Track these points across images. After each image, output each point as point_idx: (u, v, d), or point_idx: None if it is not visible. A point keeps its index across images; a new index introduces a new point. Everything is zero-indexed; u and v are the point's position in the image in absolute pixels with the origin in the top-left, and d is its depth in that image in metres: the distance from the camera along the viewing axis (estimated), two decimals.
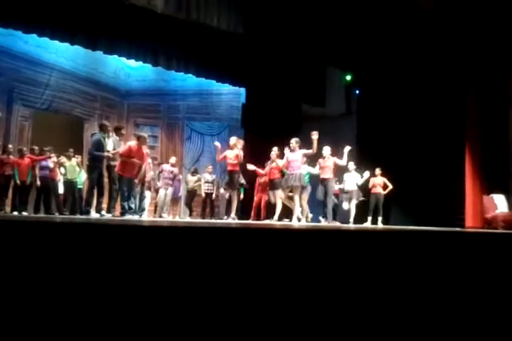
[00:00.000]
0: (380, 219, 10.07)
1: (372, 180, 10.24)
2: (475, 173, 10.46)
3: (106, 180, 7.34)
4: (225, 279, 1.93)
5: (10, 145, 8.96)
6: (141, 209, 8.76)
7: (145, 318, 1.72)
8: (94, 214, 6.90)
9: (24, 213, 8.37)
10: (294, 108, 12.50)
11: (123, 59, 11.23)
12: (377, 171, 10.29)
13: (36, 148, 9.08)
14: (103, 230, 2.26)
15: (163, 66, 11.03)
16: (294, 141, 8.17)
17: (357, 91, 13.30)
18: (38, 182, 8.70)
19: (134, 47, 10.36)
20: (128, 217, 6.93)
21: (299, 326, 1.91)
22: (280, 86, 11.72)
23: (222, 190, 10.54)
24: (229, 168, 8.43)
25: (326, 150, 8.81)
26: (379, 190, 10.19)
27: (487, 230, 7.83)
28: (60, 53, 10.82)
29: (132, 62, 11.71)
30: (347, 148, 8.71)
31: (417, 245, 2.73)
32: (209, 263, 1.93)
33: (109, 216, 6.77)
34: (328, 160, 8.63)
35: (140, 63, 11.31)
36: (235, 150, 8.33)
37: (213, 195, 10.74)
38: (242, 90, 12.50)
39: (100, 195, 7.12)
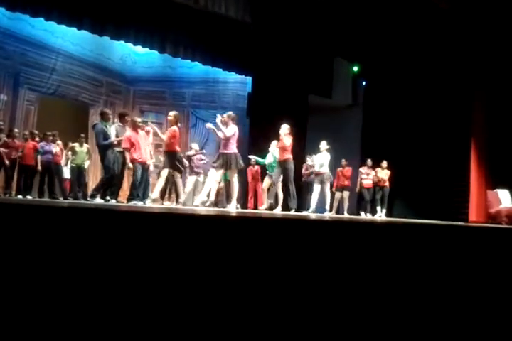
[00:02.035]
0: (383, 211, 10.09)
1: (377, 171, 10.26)
2: (480, 168, 10.45)
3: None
4: (225, 269, 1.93)
5: (15, 129, 8.96)
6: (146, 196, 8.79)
7: (148, 306, 1.73)
8: (98, 200, 6.92)
9: (29, 197, 8.41)
10: (300, 98, 12.45)
11: (130, 45, 11.19)
12: (384, 164, 10.27)
13: (36, 132, 9.08)
14: (108, 216, 2.27)
15: (169, 53, 11.00)
16: (225, 115, 7.23)
17: (364, 83, 13.25)
18: (39, 167, 8.72)
19: (141, 33, 10.34)
20: (133, 203, 6.96)
21: (300, 320, 1.92)
22: (287, 76, 11.67)
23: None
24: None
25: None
26: (384, 183, 10.22)
27: (490, 225, 7.83)
28: (66, 38, 10.77)
29: (139, 49, 11.68)
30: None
31: (419, 238, 2.73)
32: (212, 252, 1.94)
33: (113, 202, 6.79)
34: (287, 140, 7.83)
35: (147, 50, 11.28)
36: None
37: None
38: (249, 79, 12.46)
39: (112, 182, 7.14)
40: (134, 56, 12.57)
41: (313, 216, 6.10)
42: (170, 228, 1.99)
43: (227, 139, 6.97)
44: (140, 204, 7.10)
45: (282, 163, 7.72)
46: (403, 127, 11.61)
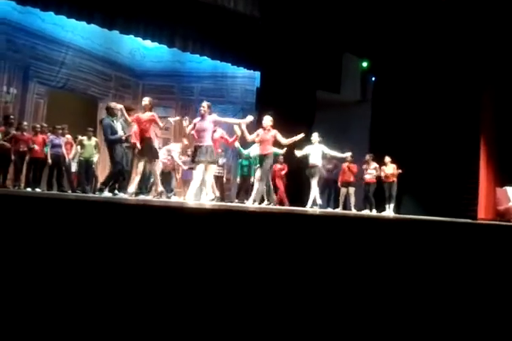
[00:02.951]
0: (391, 207, 10.04)
1: (383, 169, 10.19)
2: (489, 165, 10.39)
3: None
4: (228, 262, 1.94)
5: (25, 123, 9.00)
6: (149, 190, 8.80)
7: (154, 297, 1.74)
8: (106, 194, 6.95)
9: (37, 190, 8.46)
10: (308, 93, 12.41)
11: (139, 39, 11.21)
12: (387, 159, 10.18)
13: (45, 125, 9.12)
14: (115, 209, 2.28)
15: (178, 47, 11.02)
16: (205, 104, 6.84)
17: (373, 79, 13.18)
18: (49, 160, 8.76)
19: (151, 27, 10.35)
20: (141, 197, 6.99)
21: (303, 315, 1.92)
22: (295, 71, 11.64)
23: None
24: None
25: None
26: (391, 179, 10.14)
27: (499, 222, 7.78)
28: (76, 32, 10.80)
29: (148, 43, 11.70)
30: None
31: (427, 235, 2.72)
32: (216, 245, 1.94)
33: (121, 195, 6.81)
34: (269, 133, 7.36)
35: (156, 44, 11.30)
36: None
37: (224, 179, 10.75)
38: (257, 74, 12.44)
39: (121, 176, 7.15)
40: (143, 50, 12.58)
41: (311, 211, 6.01)
42: (175, 222, 2.00)
43: (203, 131, 6.64)
44: (148, 198, 7.13)
45: (264, 157, 7.31)
46: (412, 123, 11.55)
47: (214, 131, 7.18)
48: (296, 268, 2.03)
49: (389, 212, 9.94)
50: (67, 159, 9.12)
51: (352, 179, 10.22)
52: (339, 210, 10.03)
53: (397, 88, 12.07)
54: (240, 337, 1.71)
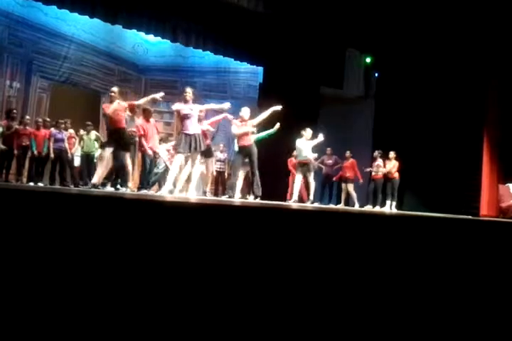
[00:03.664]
0: (393, 204, 10.03)
1: (386, 164, 10.18)
2: (492, 161, 10.37)
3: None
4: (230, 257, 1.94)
5: (27, 117, 9.01)
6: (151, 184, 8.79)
7: (159, 290, 1.74)
8: (109, 188, 6.96)
9: (40, 184, 8.47)
10: (311, 89, 12.38)
11: (142, 34, 11.19)
12: (392, 154, 10.15)
13: (48, 119, 9.13)
14: (117, 204, 2.28)
15: (181, 42, 10.98)
16: (190, 90, 6.58)
17: (376, 74, 13.13)
18: (52, 155, 8.77)
19: (153, 22, 10.32)
20: (143, 191, 6.99)
21: (304, 312, 1.92)
22: (298, 66, 11.60)
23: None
24: None
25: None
26: (393, 175, 10.10)
27: (501, 219, 7.78)
28: (79, 26, 10.78)
29: (151, 38, 11.66)
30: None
31: (428, 232, 2.72)
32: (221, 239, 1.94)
33: (123, 190, 6.82)
34: (249, 123, 7.26)
35: (159, 39, 11.27)
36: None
37: (225, 174, 10.78)
38: (260, 69, 12.41)
39: (123, 171, 7.12)
40: (146, 45, 12.56)
41: (296, 206, 5.87)
42: (178, 216, 2.00)
43: (188, 118, 6.33)
44: (151, 192, 7.14)
45: (245, 149, 7.15)
46: (415, 119, 11.52)
47: (200, 120, 6.95)
48: (294, 264, 2.03)
49: (389, 208, 9.92)
50: (69, 153, 9.13)
51: (349, 175, 10.23)
52: (341, 206, 10.03)
53: (401, 84, 12.03)
54: (227, 331, 1.71)
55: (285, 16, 10.59)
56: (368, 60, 12.87)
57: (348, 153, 10.38)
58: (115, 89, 6.98)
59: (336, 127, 11.24)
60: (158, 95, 6.85)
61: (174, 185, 6.44)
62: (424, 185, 11.05)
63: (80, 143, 9.27)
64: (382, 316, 2.04)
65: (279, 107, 7.37)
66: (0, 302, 1.53)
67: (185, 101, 6.43)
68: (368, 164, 10.59)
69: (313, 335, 1.79)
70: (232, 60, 12.01)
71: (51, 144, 8.81)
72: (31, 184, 8.31)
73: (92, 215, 1.88)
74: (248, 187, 7.92)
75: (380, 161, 10.14)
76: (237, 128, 7.24)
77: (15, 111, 8.84)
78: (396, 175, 10.04)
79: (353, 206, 10.03)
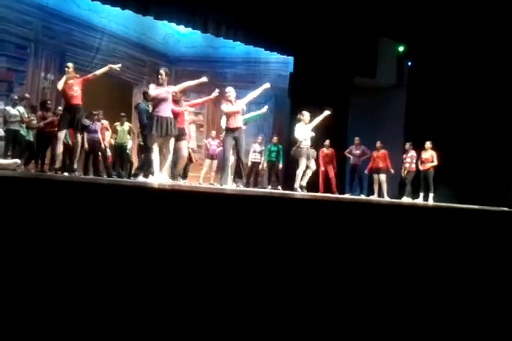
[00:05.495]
0: (431, 195, 9.84)
1: (421, 154, 10.01)
2: None
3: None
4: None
5: (60, 108, 9.15)
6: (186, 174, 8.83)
7: (164, 282, 1.75)
8: (141, 179, 7.03)
9: (74, 174, 8.62)
10: (343, 78, 12.23)
11: (172, 25, 11.25)
12: (428, 144, 9.97)
13: None
14: (152, 194, 2.31)
15: (212, 32, 10.99)
16: (163, 71, 6.14)
17: (409, 63, 12.89)
18: (86, 145, 8.90)
19: (184, 13, 10.35)
20: (174, 181, 7.05)
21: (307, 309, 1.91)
22: (329, 55, 11.47)
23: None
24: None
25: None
26: (427, 166, 9.92)
27: None
28: (111, 18, 10.90)
29: (182, 29, 11.71)
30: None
31: (463, 223, 2.66)
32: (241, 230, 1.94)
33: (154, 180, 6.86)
34: (238, 102, 7.01)
35: (189, 29, 11.31)
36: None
37: (260, 165, 10.83)
38: (291, 59, 12.32)
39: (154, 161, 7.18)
40: (177, 36, 12.61)
41: (299, 195, 5.66)
42: (208, 206, 2.01)
43: (165, 100, 6.05)
44: (183, 182, 7.20)
45: (234, 132, 6.82)
46: (449, 109, 11.27)
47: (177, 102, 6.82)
48: (307, 255, 2.02)
49: (427, 200, 9.74)
50: (102, 144, 9.27)
51: (381, 165, 10.10)
52: (374, 197, 9.94)
53: (434, 73, 11.78)
54: (223, 324, 1.70)
55: (316, 4, 10.46)
56: (401, 48, 12.65)
57: (378, 144, 10.23)
58: (70, 64, 7.28)
59: (366, 117, 11.10)
60: (116, 66, 7.08)
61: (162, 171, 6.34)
62: (458, 176, 10.84)
63: (114, 134, 9.39)
64: (396, 311, 2.01)
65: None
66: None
67: (160, 84, 6.14)
68: (399, 155, 10.44)
69: (313, 328, 1.78)
70: (263, 50, 11.96)
71: (85, 135, 8.95)
72: (66, 174, 8.47)
73: (125, 205, 1.90)
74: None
75: (413, 152, 10.00)
76: (226, 106, 7.01)
77: (49, 102, 9.00)
78: (429, 165, 9.85)
79: (383, 197, 9.92)
